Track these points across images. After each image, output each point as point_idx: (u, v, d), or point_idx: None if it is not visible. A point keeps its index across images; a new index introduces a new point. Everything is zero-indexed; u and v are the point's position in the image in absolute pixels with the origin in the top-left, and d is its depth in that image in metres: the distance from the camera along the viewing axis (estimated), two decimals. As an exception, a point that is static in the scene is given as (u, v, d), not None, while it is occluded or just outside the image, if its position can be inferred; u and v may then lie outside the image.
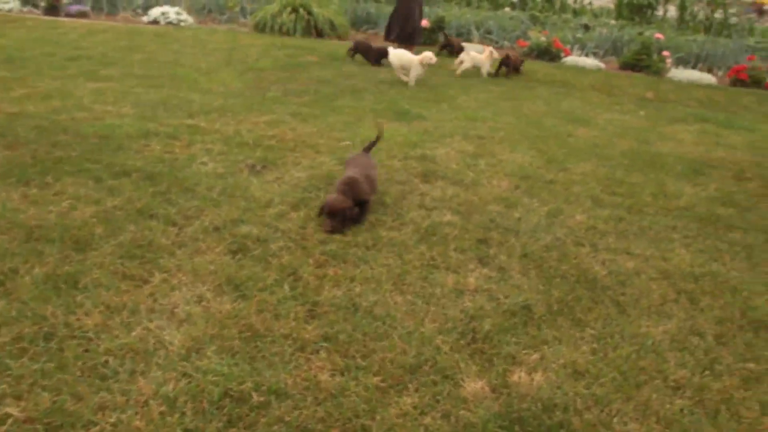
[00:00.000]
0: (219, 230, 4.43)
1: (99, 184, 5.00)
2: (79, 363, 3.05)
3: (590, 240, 4.85)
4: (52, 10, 15.08)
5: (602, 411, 3.08)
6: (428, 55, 9.74)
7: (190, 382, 2.98)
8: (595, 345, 3.58)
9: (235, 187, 5.15)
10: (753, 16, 21.97)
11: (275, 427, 2.78)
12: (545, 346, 3.52)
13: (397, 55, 10.16)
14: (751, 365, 3.55)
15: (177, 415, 2.79)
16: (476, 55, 11.50)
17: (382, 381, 3.11)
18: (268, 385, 2.99)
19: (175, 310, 3.52)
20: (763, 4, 24.13)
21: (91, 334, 3.25)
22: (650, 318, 3.91)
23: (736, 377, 3.44)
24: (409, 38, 13.07)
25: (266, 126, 6.92)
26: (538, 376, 3.27)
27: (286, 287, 3.80)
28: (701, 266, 4.63)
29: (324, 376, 3.10)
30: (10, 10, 14.99)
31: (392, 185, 5.49)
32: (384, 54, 11.30)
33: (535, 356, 3.42)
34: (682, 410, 3.13)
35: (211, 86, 8.66)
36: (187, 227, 4.44)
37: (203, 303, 3.60)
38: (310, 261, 4.13)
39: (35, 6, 15.54)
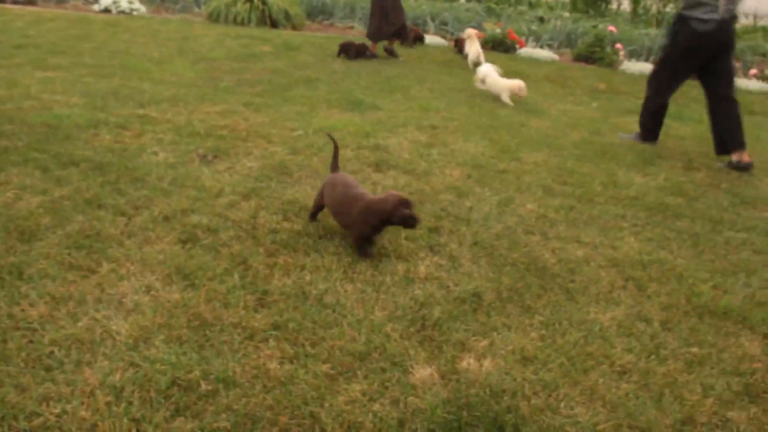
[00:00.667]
0: (169, 220, 4.39)
1: (46, 174, 4.91)
2: (23, 354, 2.99)
3: (540, 228, 4.90)
4: (-1, -3, 14.75)
5: (549, 396, 3.12)
6: (522, 86, 9.09)
7: (137, 372, 2.95)
8: (543, 331, 3.62)
9: (185, 176, 5.11)
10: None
11: (223, 416, 2.76)
12: (494, 333, 3.55)
13: (488, 72, 9.55)
14: (695, 350, 3.62)
15: (123, 405, 2.76)
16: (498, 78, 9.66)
17: (332, 368, 3.11)
18: (217, 374, 2.97)
19: (123, 300, 3.48)
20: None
21: (36, 325, 3.20)
22: (598, 305, 3.97)
23: (680, 361, 3.50)
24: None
25: (218, 116, 6.87)
26: (486, 363, 3.29)
27: (236, 276, 3.78)
28: (649, 254, 4.71)
29: (273, 365, 3.09)
30: (-46, -2, 14.63)
31: (345, 175, 5.49)
32: (364, 50, 11.33)
33: (484, 343, 3.45)
34: (627, 394, 3.19)
35: (163, 76, 8.56)
36: (137, 217, 4.39)
37: (152, 292, 3.56)
38: (261, 250, 4.11)
39: (-19, -7, 15.18)
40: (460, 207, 5.10)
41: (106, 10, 14.74)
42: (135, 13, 14.83)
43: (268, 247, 4.16)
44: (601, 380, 3.27)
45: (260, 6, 14.43)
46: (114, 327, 3.25)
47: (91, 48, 10.15)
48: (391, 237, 4.46)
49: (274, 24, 14.47)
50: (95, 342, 3.14)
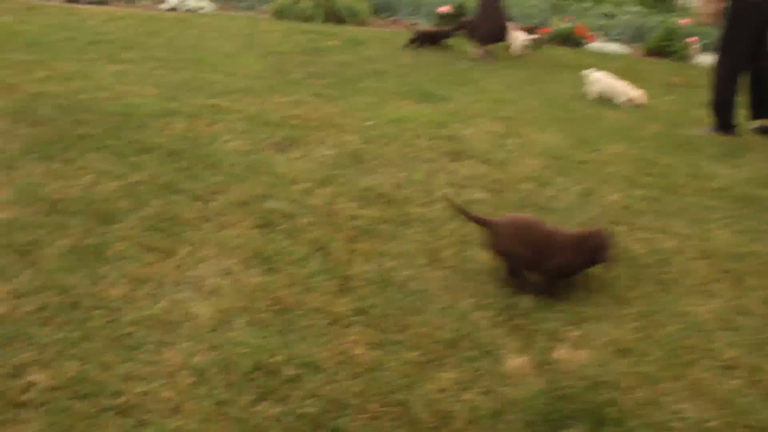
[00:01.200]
0: (245, 205, 4.31)
1: (122, 160, 4.90)
2: (105, 333, 2.94)
3: (626, 219, 4.69)
4: (72, -3, 15.03)
5: (651, 390, 2.94)
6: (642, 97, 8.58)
7: (219, 354, 2.87)
8: (638, 323, 3.44)
9: (259, 163, 5.03)
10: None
11: (309, 401, 2.66)
12: (586, 323, 3.37)
13: (604, 80, 8.90)
14: None
15: (207, 387, 2.68)
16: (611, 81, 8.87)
17: (420, 356, 2.99)
18: (301, 359, 2.88)
19: (202, 282, 3.41)
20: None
21: (116, 305, 3.15)
22: (694, 297, 3.75)
23: None
24: (496, 38, 11.25)
25: (289, 106, 6.79)
26: (581, 353, 3.13)
27: (316, 261, 3.68)
28: (743, 246, 4.46)
29: (358, 350, 2.98)
30: (30, -2, 14.95)
31: (420, 163, 5.36)
32: (446, 36, 11.29)
33: (577, 333, 3.28)
34: (736, 390, 2.98)
35: (232, 69, 8.54)
36: (212, 202, 4.33)
37: (231, 276, 3.48)
38: (340, 236, 4.00)
39: (55, -7, 15.50)
40: (540, 196, 4.92)
41: (174, 9, 14.87)
42: (202, 10, 14.93)
43: (347, 233, 4.05)
44: (705, 375, 3.07)
45: (326, 2, 14.39)
46: (194, 309, 3.18)
47: (162, 43, 10.21)
48: (472, 225, 4.30)
49: (339, 20, 14.40)
50: (175, 323, 3.07)
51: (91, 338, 2.89)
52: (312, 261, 3.68)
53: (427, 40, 11.76)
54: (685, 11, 19.30)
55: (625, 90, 8.68)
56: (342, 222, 4.19)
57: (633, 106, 8.55)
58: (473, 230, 4.22)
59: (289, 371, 2.79)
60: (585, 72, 8.89)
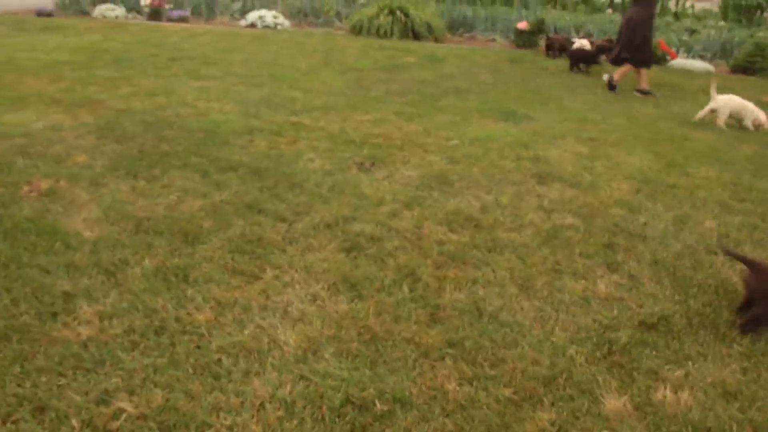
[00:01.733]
0: (330, 227, 4.24)
1: (206, 178, 4.89)
2: (192, 360, 2.88)
3: (726, 248, 4.45)
4: (155, 15, 15.39)
5: (764, 438, 2.73)
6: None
7: (308, 386, 2.77)
8: (745, 363, 3.22)
9: (344, 184, 4.96)
10: None
11: (404, 440, 2.54)
12: (689, 362, 3.17)
13: (736, 99, 8.49)
14: None
15: (296, 421, 2.58)
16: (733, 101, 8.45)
17: (515, 393, 2.84)
18: (392, 393, 2.76)
19: (289, 308, 3.33)
20: None
21: (202, 330, 3.09)
22: (802, 334, 3.51)
23: None
24: (644, 62, 10.32)
25: (371, 124, 6.74)
26: (684, 395, 2.93)
27: (405, 288, 3.56)
28: None
29: (451, 385, 2.84)
30: (116, 17, 15.34)
31: (507, 186, 5.21)
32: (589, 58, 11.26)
33: (679, 373, 3.09)
34: None
35: (312, 85, 8.55)
36: (297, 223, 4.27)
37: (318, 302, 3.39)
38: (428, 262, 3.89)
39: (139, 12, 15.89)
40: (633, 222, 4.71)
41: (252, 25, 15.05)
42: (279, 27, 15.08)
43: (435, 258, 3.93)
44: (819, 423, 2.85)
45: (403, 18, 14.36)
46: (281, 336, 3.09)
47: (241, 59, 10.30)
48: (564, 252, 4.14)
49: (416, 36, 14.36)
50: (263, 351, 2.99)
51: (178, 365, 2.83)
52: (401, 288, 3.56)
53: (580, 60, 11.42)
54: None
55: (755, 111, 8.32)
56: (430, 247, 4.07)
57: (755, 128, 8.22)
58: (564, 259, 4.06)
59: (381, 407, 2.68)
60: (713, 93, 8.44)
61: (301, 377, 2.83)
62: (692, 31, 16.56)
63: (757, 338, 3.40)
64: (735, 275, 4.08)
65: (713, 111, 8.24)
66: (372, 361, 2.96)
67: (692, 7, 21.86)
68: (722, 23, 18.14)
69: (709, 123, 8.25)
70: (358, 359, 2.96)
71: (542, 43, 13.63)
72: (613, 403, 2.84)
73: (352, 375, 2.84)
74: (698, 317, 3.57)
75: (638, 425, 2.74)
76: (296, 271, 3.67)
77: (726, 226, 4.83)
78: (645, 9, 9.88)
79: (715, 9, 21.24)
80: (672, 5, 21.53)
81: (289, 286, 3.53)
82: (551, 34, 13.76)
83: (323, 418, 2.61)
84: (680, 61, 13.67)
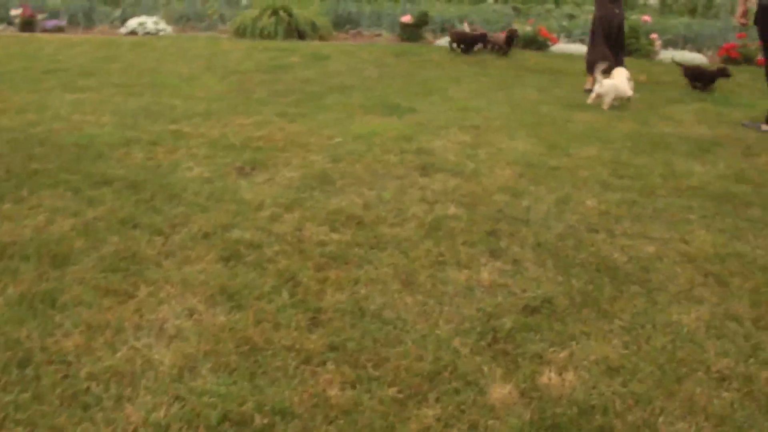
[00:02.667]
0: (208, 237, 4.11)
1: (78, 195, 4.67)
2: (58, 391, 2.72)
3: (605, 226, 4.54)
4: (27, 26, 14.72)
5: (645, 411, 2.77)
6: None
7: (183, 406, 2.65)
8: (626, 337, 3.28)
9: (223, 191, 4.83)
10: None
11: (281, 453, 2.46)
12: (573, 342, 3.21)
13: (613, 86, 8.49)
14: None
15: (170, 445, 2.47)
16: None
17: (399, 392, 2.80)
18: (272, 405, 2.67)
19: (164, 325, 3.19)
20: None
21: (71, 358, 2.92)
22: (680, 304, 3.60)
23: None
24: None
25: (253, 127, 6.60)
26: (569, 376, 2.96)
27: (285, 294, 3.48)
28: (724, 246, 4.33)
29: (333, 391, 2.78)
30: (-17, 29, 14.65)
31: (390, 180, 5.18)
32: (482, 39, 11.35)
33: (564, 354, 3.11)
34: (732, 404, 2.83)
35: (193, 92, 8.34)
36: (174, 236, 4.12)
37: (195, 316, 3.27)
38: (309, 264, 3.81)
39: (10, 23, 15.18)
40: (516, 207, 4.76)
41: (133, 32, 14.61)
42: (161, 33, 14.69)
43: (317, 261, 3.85)
44: (698, 389, 2.92)
45: (286, 18, 14.20)
46: (156, 356, 2.96)
47: (120, 68, 9.97)
48: (447, 243, 4.14)
49: (301, 35, 14.22)
50: (136, 374, 2.86)
51: (43, 398, 2.66)
52: (281, 294, 3.47)
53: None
54: (646, 8, 19.38)
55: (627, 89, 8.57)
56: (311, 249, 3.99)
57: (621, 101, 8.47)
58: (447, 250, 4.06)
59: (261, 420, 2.59)
60: (599, 78, 8.54)
61: (177, 398, 2.71)
62: (571, 17, 17.01)
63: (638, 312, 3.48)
64: (615, 252, 4.16)
65: (599, 96, 8.43)
66: (251, 372, 2.87)
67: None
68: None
69: (587, 105, 8.46)
70: (236, 372, 2.86)
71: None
72: (499, 391, 2.83)
73: (230, 390, 2.74)
74: (580, 296, 3.62)
75: (524, 411, 2.73)
76: (172, 285, 3.54)
77: (606, 204, 4.94)
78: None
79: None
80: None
81: (164, 302, 3.39)
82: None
83: (199, 439, 2.50)
84: (561, 46, 14.00)
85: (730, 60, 13.00)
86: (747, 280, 3.91)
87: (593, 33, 9.65)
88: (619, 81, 8.56)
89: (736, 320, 3.49)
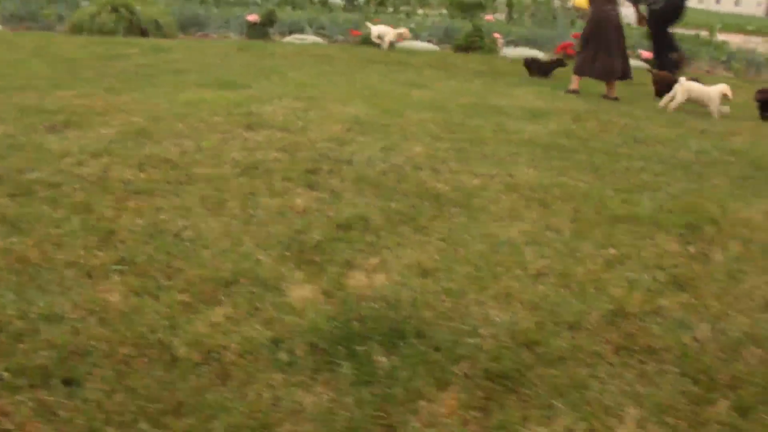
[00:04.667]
0: (1, 179, 3.73)
1: None
2: None
3: (431, 165, 4.48)
4: None
5: (457, 302, 2.67)
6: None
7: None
8: (443, 245, 3.21)
9: (26, 143, 4.45)
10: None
11: (42, 353, 2.19)
12: (386, 250, 3.10)
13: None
14: (613, 251, 3.31)
15: None
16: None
17: (190, 297, 2.57)
18: (39, 312, 2.38)
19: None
20: (581, 8, 25.06)
21: None
22: (502, 221, 3.60)
23: (599, 261, 3.19)
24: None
25: (74, 98, 6.17)
26: (379, 278, 2.85)
27: (76, 221, 3.18)
28: (549, 179, 4.37)
29: (114, 298, 2.52)
30: None
31: (213, 134, 4.93)
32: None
33: (375, 260, 2.99)
34: (547, 295, 2.80)
35: (15, 72, 7.77)
36: (-42, 180, 3.73)
37: (-34, 243, 2.92)
38: (110, 198, 3.53)
39: None
40: (340, 152, 4.62)
41: (-41, 32, 13.71)
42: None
43: (118, 195, 3.58)
44: (514, 284, 2.89)
45: (128, 15, 13.64)
46: None
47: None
48: (263, 179, 3.94)
49: (143, 34, 13.69)
50: None
51: None
52: (70, 221, 3.17)
53: None
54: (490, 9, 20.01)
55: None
56: (114, 186, 3.70)
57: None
58: (263, 184, 3.86)
59: (20, 325, 2.30)
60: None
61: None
62: (421, 19, 17.30)
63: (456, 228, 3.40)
64: (439, 183, 4.09)
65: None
66: (20, 285, 2.57)
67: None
68: (444, 11, 19.17)
69: (428, 86, 8.50)
70: (1, 285, 2.55)
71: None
72: (300, 292, 2.67)
73: (-9, 301, 2.43)
74: (398, 216, 3.54)
75: (326, 308, 2.59)
76: (-54, 219, 3.17)
77: (434, 150, 4.89)
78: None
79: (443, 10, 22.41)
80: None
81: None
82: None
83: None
84: (407, 43, 14.15)
85: (567, 56, 13.50)
86: (568, 203, 3.96)
87: (587, 38, 9.15)
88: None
89: (556, 231, 3.51)
